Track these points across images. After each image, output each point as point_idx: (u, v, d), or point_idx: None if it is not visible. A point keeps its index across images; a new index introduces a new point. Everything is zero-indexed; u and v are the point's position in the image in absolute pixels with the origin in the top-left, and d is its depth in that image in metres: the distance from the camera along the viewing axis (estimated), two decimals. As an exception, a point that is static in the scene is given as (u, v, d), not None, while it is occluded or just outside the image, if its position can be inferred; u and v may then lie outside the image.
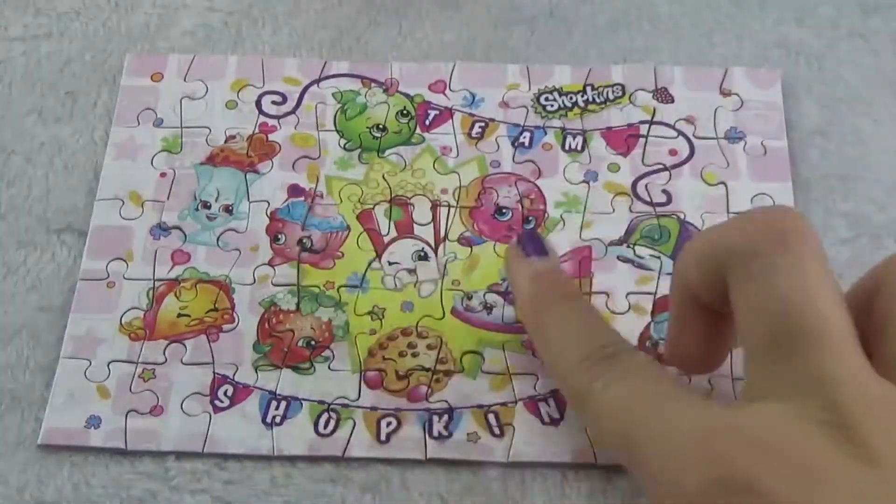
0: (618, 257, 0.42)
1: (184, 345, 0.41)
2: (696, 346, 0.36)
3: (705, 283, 0.33)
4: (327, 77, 0.47)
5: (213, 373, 0.40)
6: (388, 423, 0.39)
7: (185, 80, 0.47)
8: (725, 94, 0.46)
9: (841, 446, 0.27)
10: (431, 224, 0.44)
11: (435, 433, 0.39)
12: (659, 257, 0.42)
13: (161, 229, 0.43)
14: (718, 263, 0.32)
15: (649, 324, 0.41)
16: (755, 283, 0.31)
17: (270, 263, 0.43)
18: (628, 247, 0.43)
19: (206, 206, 0.44)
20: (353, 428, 0.39)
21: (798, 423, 0.28)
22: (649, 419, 0.31)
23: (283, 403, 0.40)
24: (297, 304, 0.42)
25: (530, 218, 0.43)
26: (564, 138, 0.45)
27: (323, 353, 0.41)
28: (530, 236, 0.39)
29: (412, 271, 0.42)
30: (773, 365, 0.30)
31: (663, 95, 0.46)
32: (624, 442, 0.32)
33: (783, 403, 0.29)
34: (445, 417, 0.39)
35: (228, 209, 0.44)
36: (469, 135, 0.46)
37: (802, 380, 0.29)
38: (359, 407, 0.40)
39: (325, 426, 0.39)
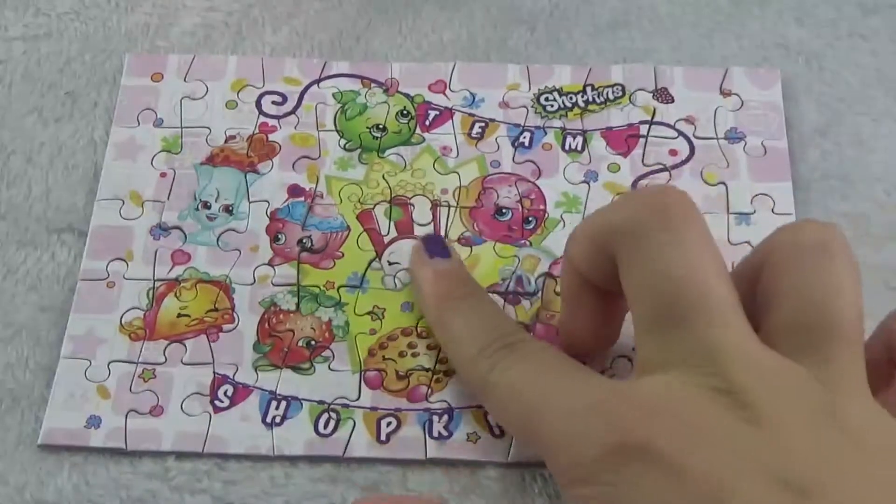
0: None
1: (184, 345, 0.41)
2: (590, 326, 0.37)
3: (594, 264, 0.34)
4: (327, 77, 0.47)
5: (213, 373, 0.40)
6: (388, 423, 0.39)
7: (185, 80, 0.47)
8: (725, 94, 0.46)
9: (728, 410, 0.29)
10: (431, 224, 0.44)
11: (435, 433, 0.39)
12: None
13: (161, 229, 0.43)
14: (605, 244, 0.33)
15: (649, 324, 0.41)
16: (639, 260, 0.32)
17: (270, 263, 0.43)
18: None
19: (207, 206, 0.44)
20: (353, 428, 0.39)
21: (687, 388, 0.29)
22: (548, 397, 0.33)
23: (283, 403, 0.40)
24: (297, 304, 0.42)
25: (530, 218, 0.43)
26: (564, 138, 0.45)
27: (323, 353, 0.41)
28: (433, 239, 0.41)
29: (412, 271, 0.43)
30: (661, 338, 0.31)
31: (663, 95, 0.46)
32: (526, 423, 0.33)
33: (673, 372, 0.30)
34: (445, 417, 0.39)
35: (228, 209, 0.44)
36: (469, 135, 0.46)
37: (689, 349, 0.30)
38: (359, 407, 0.40)
39: (325, 426, 0.39)
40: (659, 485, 0.28)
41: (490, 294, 0.42)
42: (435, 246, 0.41)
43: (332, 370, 0.40)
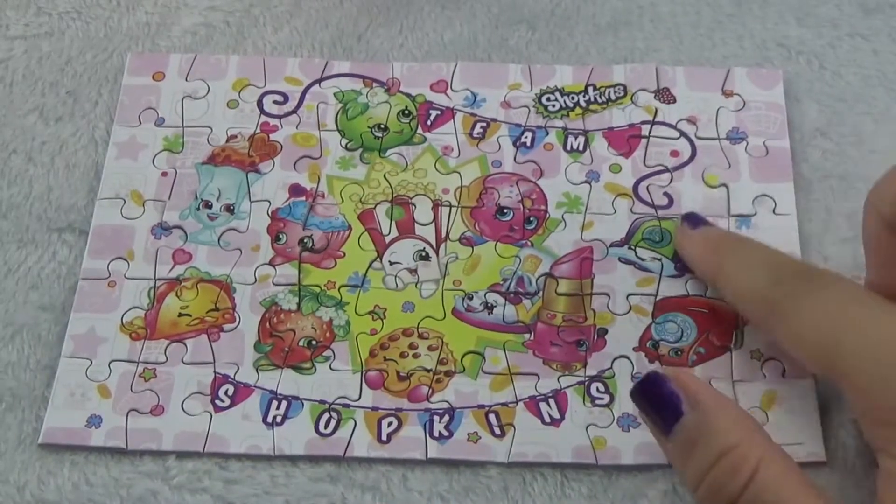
0: (619, 259, 0.42)
1: (184, 344, 0.41)
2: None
3: None
4: (329, 77, 0.47)
5: (214, 372, 0.40)
6: (389, 423, 0.39)
7: (186, 79, 0.47)
8: (727, 94, 0.46)
9: None
10: (433, 224, 0.44)
11: (436, 433, 0.39)
12: (660, 259, 0.42)
13: (162, 229, 0.43)
14: None
15: (650, 325, 0.41)
16: None
17: (271, 263, 0.43)
18: (629, 248, 0.43)
19: (208, 205, 0.44)
20: (354, 428, 0.39)
21: None
22: (852, 330, 0.31)
23: (284, 403, 0.40)
24: (298, 304, 0.42)
25: (531, 218, 0.43)
26: (566, 138, 0.45)
27: (324, 353, 0.41)
28: (691, 215, 0.41)
29: (413, 271, 0.43)
30: None
31: (665, 96, 0.46)
32: (826, 356, 0.32)
33: None
34: (446, 417, 0.39)
35: (230, 209, 0.44)
36: (470, 135, 0.46)
37: None
38: (360, 407, 0.40)
39: (326, 426, 0.39)
40: None
41: (491, 294, 0.42)
42: (695, 218, 0.41)
43: (332, 370, 0.40)
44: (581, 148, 0.45)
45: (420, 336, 0.41)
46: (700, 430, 0.32)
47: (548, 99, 0.46)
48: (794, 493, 0.30)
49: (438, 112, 0.46)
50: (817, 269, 0.35)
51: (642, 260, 0.42)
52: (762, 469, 0.31)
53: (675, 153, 0.45)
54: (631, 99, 0.46)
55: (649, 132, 0.45)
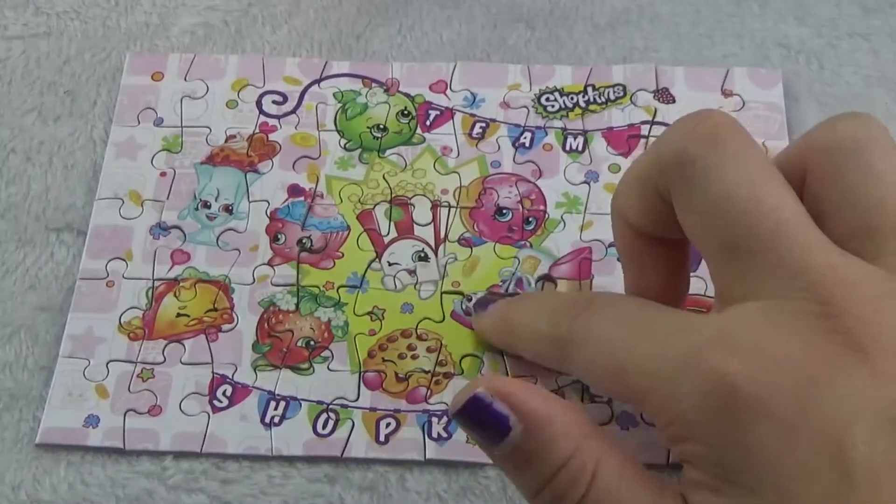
0: (618, 259, 0.42)
1: (183, 344, 0.41)
2: (660, 282, 0.35)
3: (647, 210, 0.32)
4: (328, 77, 0.47)
5: (212, 373, 0.40)
6: (388, 424, 0.39)
7: (185, 79, 0.47)
8: (727, 94, 0.46)
9: (830, 338, 0.27)
10: (431, 224, 0.43)
11: (434, 434, 0.39)
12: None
13: (161, 229, 0.43)
14: (656, 184, 0.31)
15: (649, 325, 0.41)
16: (697, 189, 0.30)
17: (270, 263, 0.43)
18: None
19: (206, 205, 0.44)
20: (352, 428, 0.39)
21: (783, 320, 0.28)
22: (636, 349, 0.30)
23: (282, 403, 0.40)
24: (297, 305, 0.42)
25: (531, 219, 0.43)
26: (565, 139, 0.45)
27: (322, 354, 0.41)
28: (480, 299, 0.41)
29: (412, 272, 0.42)
30: (739, 267, 0.29)
31: (664, 96, 0.46)
32: (616, 379, 0.31)
33: (764, 301, 0.28)
34: (445, 419, 0.39)
35: (228, 209, 0.44)
36: (470, 135, 0.46)
37: (775, 274, 0.28)
38: (358, 407, 0.40)
39: (324, 426, 0.39)
40: (772, 442, 0.27)
41: (490, 294, 0.42)
42: (484, 301, 0.40)
43: (331, 370, 0.40)
44: (580, 148, 0.45)
45: (419, 337, 0.41)
46: (532, 444, 0.30)
47: (547, 99, 0.46)
48: (632, 492, 0.30)
49: (438, 112, 0.46)
50: (592, 295, 0.34)
51: (641, 260, 0.42)
52: (599, 473, 0.30)
53: (674, 153, 0.45)
54: (630, 99, 0.46)
55: (649, 132, 0.45)
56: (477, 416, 0.31)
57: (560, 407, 0.31)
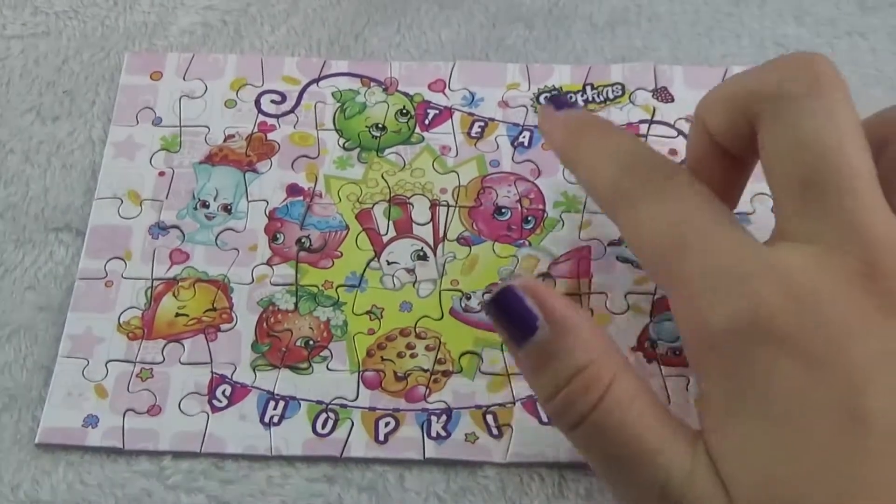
0: (616, 257, 0.42)
1: (182, 344, 0.41)
2: (713, 188, 0.35)
3: (730, 127, 0.33)
4: (326, 76, 0.47)
5: (211, 372, 0.40)
6: (387, 424, 0.39)
7: (184, 78, 0.47)
8: (725, 93, 0.46)
9: (868, 297, 0.28)
10: (430, 224, 0.43)
11: (433, 433, 0.39)
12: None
13: (159, 228, 0.43)
14: (746, 107, 0.32)
15: (648, 324, 0.41)
16: (787, 126, 0.30)
17: (269, 263, 0.43)
18: (627, 247, 0.43)
19: (205, 205, 0.44)
20: (352, 428, 0.39)
21: (831, 270, 0.29)
22: (691, 245, 0.31)
23: (281, 403, 0.40)
24: (296, 304, 0.42)
25: (529, 218, 0.43)
26: (564, 138, 0.45)
27: (321, 353, 0.41)
28: (557, 96, 0.40)
29: (411, 271, 0.42)
30: (804, 207, 0.30)
31: (663, 95, 0.46)
32: (665, 257, 0.31)
33: (817, 246, 0.29)
34: (444, 418, 0.39)
35: (227, 208, 0.44)
36: (468, 134, 0.46)
37: (836, 224, 0.29)
38: (357, 407, 0.40)
39: (323, 426, 0.39)
40: (795, 375, 0.28)
41: (489, 294, 0.42)
42: (560, 101, 0.38)
43: (330, 370, 0.40)
44: (579, 147, 0.45)
45: (417, 336, 0.41)
46: (553, 347, 0.32)
47: (546, 98, 0.46)
48: (640, 414, 0.31)
49: (436, 111, 0.46)
50: (674, 165, 0.34)
51: (640, 259, 0.42)
52: (613, 388, 0.31)
53: (673, 152, 0.45)
54: (629, 98, 0.46)
55: (647, 131, 0.45)
56: (508, 309, 0.32)
57: (587, 320, 0.32)
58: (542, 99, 0.39)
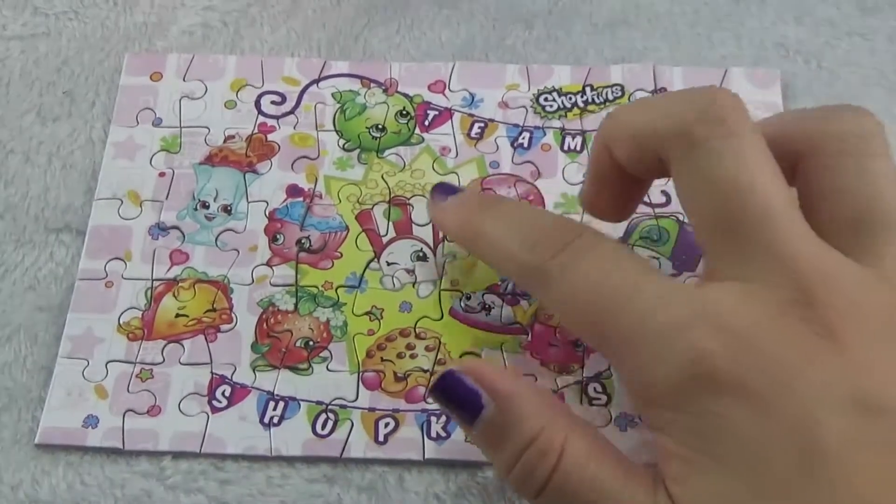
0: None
1: (182, 345, 0.41)
2: (615, 204, 0.37)
3: (638, 160, 0.34)
4: (327, 77, 0.47)
5: (211, 373, 0.40)
6: (386, 424, 0.39)
7: (184, 79, 0.47)
8: (725, 94, 0.46)
9: (805, 326, 0.28)
10: (430, 224, 0.43)
11: (433, 434, 0.39)
12: (658, 258, 0.42)
13: (159, 229, 0.43)
14: (652, 146, 0.32)
15: (648, 324, 0.41)
16: (698, 169, 0.31)
17: (269, 263, 0.43)
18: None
19: (205, 205, 0.44)
20: (351, 429, 0.39)
21: (764, 304, 0.29)
22: (618, 307, 0.31)
23: (281, 404, 0.40)
24: (296, 305, 0.42)
25: (529, 218, 0.43)
26: (563, 139, 0.45)
27: (321, 354, 0.41)
28: (441, 184, 0.40)
29: (411, 271, 0.42)
30: (728, 247, 0.30)
31: (662, 96, 0.46)
32: (594, 330, 0.32)
33: (747, 284, 0.29)
34: (444, 418, 0.39)
35: (227, 209, 0.44)
36: (468, 135, 0.46)
37: (761, 260, 0.29)
38: (357, 408, 0.40)
39: (323, 427, 0.39)
40: (746, 421, 0.28)
41: (489, 295, 0.42)
42: (447, 187, 0.39)
43: (330, 370, 0.40)
44: (578, 148, 0.45)
45: (417, 336, 0.41)
46: (502, 420, 0.32)
47: (545, 99, 0.46)
48: (599, 467, 0.31)
49: (436, 112, 0.46)
50: (576, 225, 0.34)
51: (640, 260, 0.42)
52: (568, 448, 0.31)
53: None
54: (628, 99, 0.46)
55: (647, 132, 0.45)
56: (453, 393, 0.33)
57: (528, 387, 0.33)
58: (430, 194, 0.39)
